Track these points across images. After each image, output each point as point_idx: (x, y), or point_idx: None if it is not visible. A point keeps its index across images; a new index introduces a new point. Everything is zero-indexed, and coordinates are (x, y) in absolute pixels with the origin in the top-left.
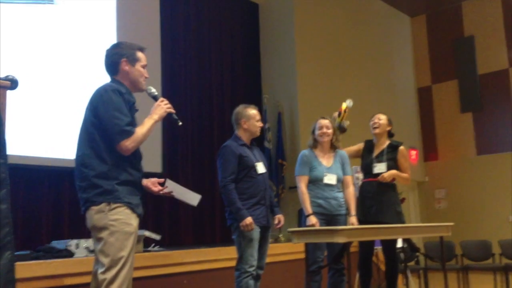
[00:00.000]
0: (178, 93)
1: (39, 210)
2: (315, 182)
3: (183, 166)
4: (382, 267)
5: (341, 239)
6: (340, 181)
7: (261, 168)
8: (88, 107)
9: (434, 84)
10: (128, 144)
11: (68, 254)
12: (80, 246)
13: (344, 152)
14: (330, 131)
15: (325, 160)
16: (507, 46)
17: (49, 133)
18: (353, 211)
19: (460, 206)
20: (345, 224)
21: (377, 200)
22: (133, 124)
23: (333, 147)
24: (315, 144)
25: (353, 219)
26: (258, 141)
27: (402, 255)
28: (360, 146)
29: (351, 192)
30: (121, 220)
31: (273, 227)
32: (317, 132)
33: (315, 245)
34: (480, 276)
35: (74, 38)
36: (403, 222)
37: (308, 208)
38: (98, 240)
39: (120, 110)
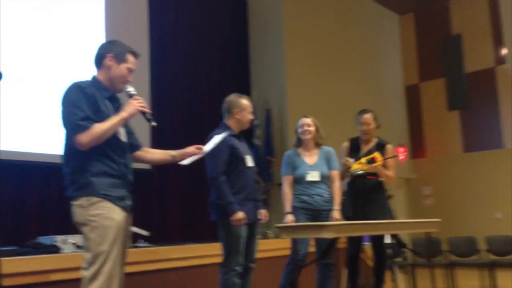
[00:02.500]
0: (166, 90)
1: (25, 205)
2: (299, 180)
3: (172, 163)
4: (370, 263)
5: (328, 235)
6: (325, 177)
7: (249, 161)
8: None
9: (422, 82)
10: (82, 138)
11: (55, 250)
12: (67, 242)
13: (330, 148)
14: (311, 128)
15: (309, 158)
16: (494, 44)
17: (35, 129)
18: (337, 205)
19: (447, 203)
20: (329, 219)
21: (368, 198)
22: (93, 118)
23: (317, 144)
24: (298, 142)
25: (335, 214)
26: (246, 137)
27: (389, 251)
28: (345, 148)
29: (337, 187)
30: (102, 215)
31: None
32: (299, 130)
33: (298, 239)
34: (466, 272)
35: (64, 36)
36: (394, 219)
37: (287, 207)
38: (83, 236)
39: (76, 104)
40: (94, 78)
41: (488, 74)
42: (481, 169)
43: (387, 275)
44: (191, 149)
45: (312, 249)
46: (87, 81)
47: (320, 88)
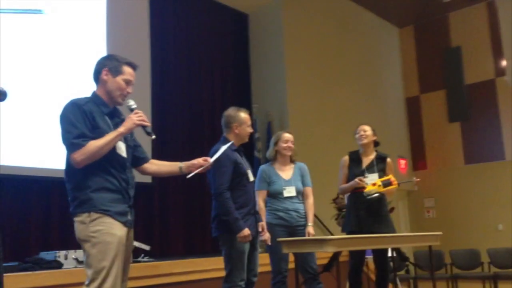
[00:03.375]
0: (168, 104)
1: (27, 220)
2: (275, 195)
3: (174, 176)
4: (373, 277)
5: (330, 249)
6: (300, 192)
7: (251, 176)
8: None
9: (422, 94)
10: (76, 157)
11: (57, 265)
12: (69, 257)
13: (304, 164)
14: (292, 145)
15: (284, 173)
16: (494, 56)
17: (38, 143)
18: (310, 221)
19: (449, 215)
20: (305, 234)
21: (370, 211)
22: (89, 135)
23: (291, 160)
24: (275, 156)
25: (310, 229)
26: (247, 151)
27: (391, 264)
28: (345, 162)
29: (310, 203)
30: (102, 230)
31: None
32: (282, 145)
33: (280, 256)
34: (469, 285)
35: (62, 48)
36: (394, 232)
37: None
38: (84, 252)
39: (72, 122)
40: (94, 93)
41: (488, 86)
42: (483, 181)
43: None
44: (198, 161)
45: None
46: (86, 98)
47: (320, 101)
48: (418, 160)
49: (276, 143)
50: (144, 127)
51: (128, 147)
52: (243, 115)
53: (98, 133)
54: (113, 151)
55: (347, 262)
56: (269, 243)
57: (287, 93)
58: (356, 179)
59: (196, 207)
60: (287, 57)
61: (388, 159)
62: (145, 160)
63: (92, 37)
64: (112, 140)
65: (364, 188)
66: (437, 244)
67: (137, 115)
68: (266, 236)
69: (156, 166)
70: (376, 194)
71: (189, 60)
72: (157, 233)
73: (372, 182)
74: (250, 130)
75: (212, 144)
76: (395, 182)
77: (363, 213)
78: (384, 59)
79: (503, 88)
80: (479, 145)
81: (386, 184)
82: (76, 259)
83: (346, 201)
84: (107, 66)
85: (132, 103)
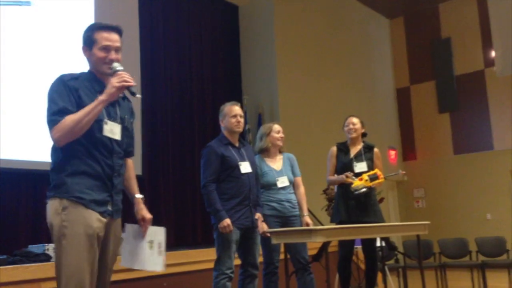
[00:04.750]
0: (158, 96)
1: (16, 214)
2: (268, 187)
3: (164, 168)
4: (362, 266)
5: (319, 239)
6: (291, 182)
7: (246, 167)
8: None
9: (412, 85)
10: (53, 134)
11: (46, 258)
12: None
13: (291, 154)
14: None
15: (275, 164)
16: (483, 47)
17: (26, 136)
18: (305, 211)
19: (438, 204)
20: (300, 225)
21: (360, 202)
22: (72, 111)
23: (280, 151)
24: (267, 148)
25: (307, 219)
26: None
27: (380, 254)
28: (333, 152)
29: (302, 192)
30: (74, 221)
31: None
32: (275, 135)
33: (271, 247)
34: (457, 273)
35: (50, 39)
36: (383, 221)
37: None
38: (53, 241)
39: (53, 99)
40: (88, 71)
41: (477, 77)
42: (472, 170)
43: (379, 278)
44: (143, 221)
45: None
46: (76, 74)
47: (311, 92)
48: (407, 150)
49: (268, 134)
50: (128, 87)
51: (124, 130)
52: (227, 107)
53: (82, 107)
54: (99, 132)
55: (337, 253)
56: (268, 235)
57: (278, 85)
58: (343, 176)
59: (187, 199)
60: (278, 49)
61: (375, 149)
62: (126, 155)
63: (80, 27)
64: (91, 110)
65: (351, 183)
66: (425, 233)
67: (118, 77)
68: (260, 228)
69: (126, 171)
70: (364, 189)
71: (179, 52)
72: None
73: (359, 177)
74: (234, 120)
75: (202, 136)
76: (381, 176)
77: (352, 203)
78: (374, 50)
79: (492, 79)
80: (468, 136)
81: (373, 178)
82: None
83: (335, 191)
84: (83, 42)
85: (115, 65)
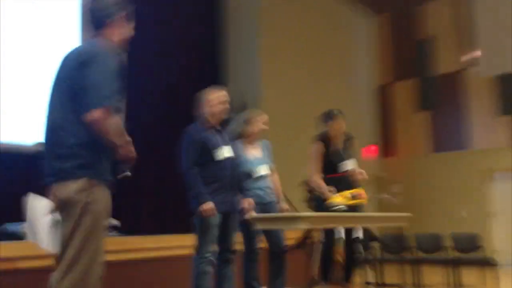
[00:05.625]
0: (140, 83)
1: None
2: (249, 175)
3: (146, 153)
4: (339, 257)
5: (304, 225)
6: (270, 169)
7: (226, 152)
8: (76, 66)
9: (394, 82)
10: (100, 114)
11: (21, 237)
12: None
13: (267, 141)
14: None
15: (255, 151)
16: (465, 47)
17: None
18: (281, 197)
19: (415, 201)
20: (277, 211)
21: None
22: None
23: None
24: (250, 134)
25: (284, 205)
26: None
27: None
28: (319, 149)
29: (277, 179)
30: (98, 200)
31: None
32: (261, 126)
33: (252, 233)
34: (432, 268)
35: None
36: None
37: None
38: (67, 216)
39: (112, 76)
40: (108, 42)
41: (458, 76)
42: (449, 168)
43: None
44: None
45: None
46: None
47: (294, 82)
48: (388, 147)
49: (255, 121)
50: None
51: None
52: (214, 94)
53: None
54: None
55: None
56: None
57: (262, 74)
58: (327, 191)
59: (168, 183)
60: (262, 39)
61: (355, 140)
62: None
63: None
64: (119, 143)
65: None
66: (406, 224)
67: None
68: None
69: None
70: (342, 207)
71: (162, 38)
72: (127, 208)
73: (340, 193)
74: (223, 107)
75: (185, 123)
76: (364, 197)
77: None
78: (358, 45)
79: (473, 79)
80: (447, 134)
81: (355, 196)
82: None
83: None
84: (124, 11)
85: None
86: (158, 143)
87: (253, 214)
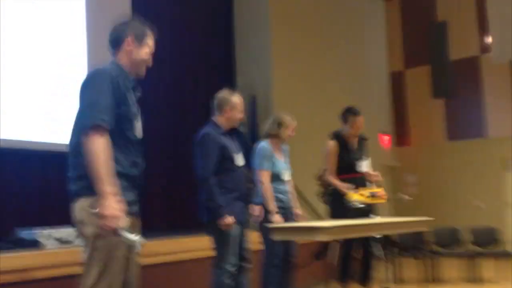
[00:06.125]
0: (150, 79)
1: (2, 193)
2: (277, 177)
3: (155, 152)
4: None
5: (323, 237)
6: (291, 175)
7: (240, 160)
8: (79, 92)
9: (406, 69)
10: (87, 136)
11: (37, 245)
12: (51, 238)
13: (286, 145)
14: None
15: (279, 155)
16: (479, 32)
17: (11, 114)
18: (297, 203)
19: (430, 191)
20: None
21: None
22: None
23: None
24: (278, 137)
25: (298, 211)
26: (239, 135)
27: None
28: (333, 149)
29: (293, 186)
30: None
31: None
32: (289, 133)
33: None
34: (450, 261)
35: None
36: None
37: (273, 205)
38: (83, 237)
39: (97, 92)
40: (118, 67)
41: (472, 62)
42: (465, 157)
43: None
44: None
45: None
46: (114, 68)
47: (305, 74)
48: (401, 136)
49: (286, 127)
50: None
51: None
52: (236, 99)
53: (125, 112)
54: (131, 131)
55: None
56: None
57: (272, 67)
58: (345, 188)
59: (178, 181)
60: (272, 31)
61: (368, 140)
62: None
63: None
64: (97, 176)
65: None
66: (426, 230)
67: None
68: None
69: None
70: (362, 206)
71: (172, 31)
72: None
73: (360, 191)
74: (241, 115)
75: (193, 116)
76: (384, 197)
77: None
78: (369, 32)
79: (488, 65)
80: (462, 122)
81: (374, 196)
82: (59, 240)
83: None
84: (133, 35)
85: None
86: (168, 141)
87: (278, 218)
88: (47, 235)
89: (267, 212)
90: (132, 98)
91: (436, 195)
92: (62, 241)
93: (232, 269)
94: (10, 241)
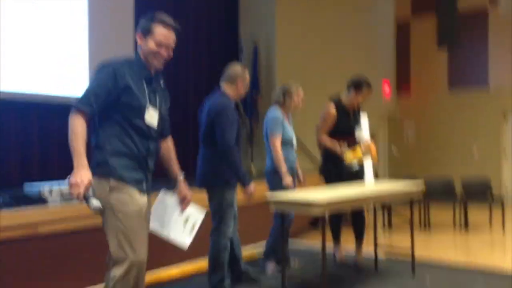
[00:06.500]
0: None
1: (6, 148)
2: (286, 143)
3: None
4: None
5: (317, 212)
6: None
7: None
8: None
9: (412, 17)
10: (71, 116)
11: (42, 201)
12: (53, 192)
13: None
14: None
15: (288, 122)
16: None
17: (15, 66)
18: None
19: (428, 140)
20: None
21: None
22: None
23: None
24: (286, 106)
25: (301, 175)
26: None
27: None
28: (332, 113)
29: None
30: (123, 200)
31: None
32: (297, 101)
33: None
34: (440, 207)
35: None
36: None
37: (285, 167)
38: (103, 216)
39: (98, 81)
40: (138, 57)
41: (480, 13)
42: (465, 108)
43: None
44: (187, 200)
45: None
46: (126, 60)
47: (308, 22)
48: (402, 85)
49: (293, 95)
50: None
51: (160, 116)
52: (247, 75)
53: (128, 100)
54: (139, 118)
55: None
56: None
57: (275, 15)
58: (338, 147)
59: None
60: None
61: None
62: (164, 135)
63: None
64: (73, 150)
65: (343, 156)
66: (419, 195)
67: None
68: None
69: (165, 151)
70: (357, 167)
71: None
72: None
73: (352, 149)
74: (245, 92)
75: (195, 66)
76: (375, 151)
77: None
78: None
79: (495, 18)
80: (465, 73)
81: (366, 152)
82: (62, 195)
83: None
84: (139, 29)
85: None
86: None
87: (289, 180)
88: (49, 190)
89: (276, 175)
90: (143, 88)
91: (432, 144)
92: (64, 197)
93: (229, 230)
94: (17, 197)
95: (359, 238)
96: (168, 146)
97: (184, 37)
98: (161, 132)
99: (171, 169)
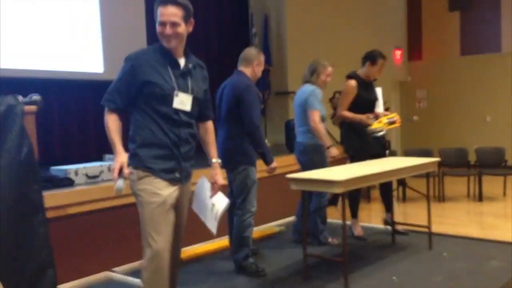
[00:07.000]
0: None
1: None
2: (322, 120)
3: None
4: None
5: (338, 190)
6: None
7: None
8: None
9: None
10: (105, 113)
11: (69, 183)
12: (79, 173)
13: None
14: None
15: None
16: None
17: (37, 45)
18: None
19: (440, 106)
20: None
21: (363, 133)
22: (123, 93)
23: None
24: (312, 83)
25: (334, 150)
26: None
27: None
28: (353, 88)
29: None
30: (147, 190)
31: None
32: (325, 79)
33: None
34: (455, 179)
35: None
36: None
37: (329, 140)
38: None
39: (118, 76)
40: (159, 44)
41: None
42: (476, 72)
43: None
44: (217, 187)
45: None
46: (148, 49)
47: None
48: (413, 50)
49: (316, 73)
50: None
51: (195, 100)
52: (263, 58)
53: (150, 84)
54: (168, 105)
55: None
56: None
57: None
58: (363, 117)
59: None
60: None
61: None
62: (203, 119)
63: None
64: (111, 142)
65: (369, 125)
66: (435, 170)
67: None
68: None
69: (203, 134)
70: (382, 132)
71: None
72: None
73: (378, 120)
74: (260, 74)
75: (205, 45)
76: (399, 121)
77: (367, 141)
78: None
79: None
80: (477, 36)
81: (391, 122)
82: (86, 175)
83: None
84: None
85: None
86: None
87: (336, 150)
88: (75, 171)
89: (316, 151)
90: (168, 74)
91: (444, 110)
92: (89, 176)
93: (254, 209)
94: (45, 179)
95: (390, 208)
96: (206, 129)
97: (194, 10)
98: (199, 116)
99: (207, 153)
